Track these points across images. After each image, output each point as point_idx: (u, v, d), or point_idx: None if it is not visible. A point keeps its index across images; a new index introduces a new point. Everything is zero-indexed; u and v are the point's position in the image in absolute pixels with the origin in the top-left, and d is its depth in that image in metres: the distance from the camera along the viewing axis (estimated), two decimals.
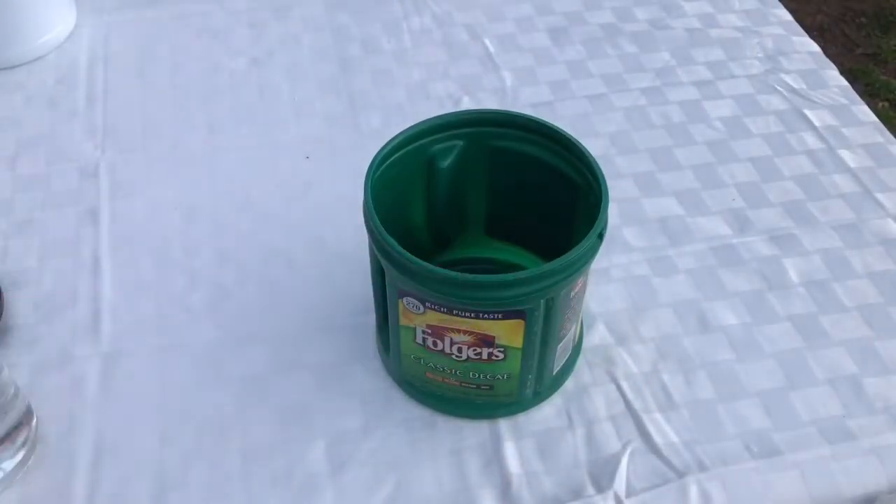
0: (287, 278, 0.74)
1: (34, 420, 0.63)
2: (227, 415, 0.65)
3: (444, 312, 0.56)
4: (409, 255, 0.54)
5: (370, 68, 0.93)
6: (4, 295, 0.70)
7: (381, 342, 0.67)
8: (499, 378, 0.61)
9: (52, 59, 0.94)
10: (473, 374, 0.61)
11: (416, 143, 0.63)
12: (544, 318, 0.57)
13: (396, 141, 0.62)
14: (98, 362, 0.67)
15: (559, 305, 0.58)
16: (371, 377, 0.67)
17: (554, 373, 0.64)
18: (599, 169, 0.60)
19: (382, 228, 0.56)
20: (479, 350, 0.58)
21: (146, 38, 0.96)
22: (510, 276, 0.54)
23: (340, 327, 0.70)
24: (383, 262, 0.57)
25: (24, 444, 0.61)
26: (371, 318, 0.68)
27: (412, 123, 0.64)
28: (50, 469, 0.62)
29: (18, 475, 0.61)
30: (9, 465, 0.60)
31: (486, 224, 0.71)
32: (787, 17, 1.01)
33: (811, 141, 0.86)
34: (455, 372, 0.61)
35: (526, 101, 0.89)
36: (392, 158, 0.62)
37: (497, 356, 0.59)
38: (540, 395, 0.65)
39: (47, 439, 0.63)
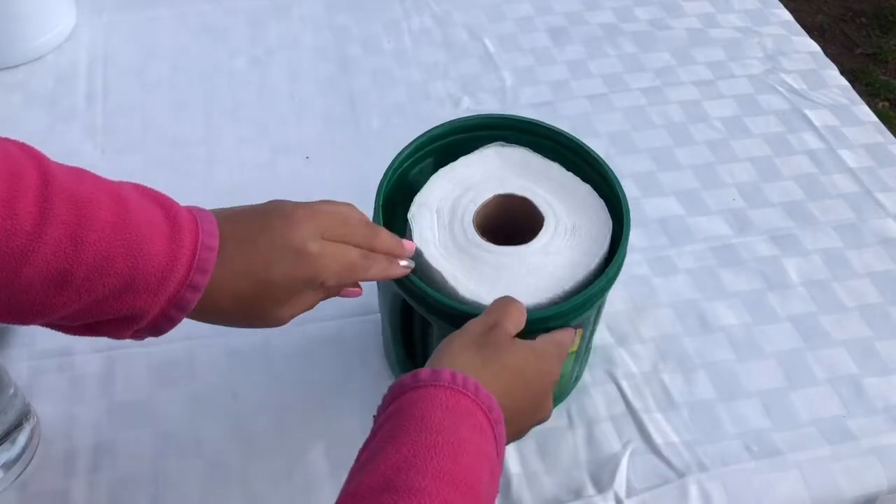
0: None
1: (34, 420, 0.63)
2: (227, 415, 0.65)
3: None
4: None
5: (370, 68, 0.93)
6: None
7: (399, 367, 0.65)
8: None
9: (51, 59, 0.93)
10: None
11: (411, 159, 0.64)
12: (594, 319, 0.60)
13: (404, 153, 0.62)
14: (98, 362, 0.67)
15: (604, 305, 0.60)
16: (371, 377, 0.67)
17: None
18: (612, 171, 0.61)
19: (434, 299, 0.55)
20: None
21: (146, 38, 0.96)
22: (575, 302, 0.55)
23: (340, 328, 0.70)
24: (437, 321, 0.56)
25: (24, 443, 0.61)
26: (371, 319, 0.68)
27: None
28: (50, 469, 0.62)
29: (18, 475, 0.61)
30: (8, 464, 0.60)
31: None
32: (787, 16, 1.01)
33: (811, 141, 0.86)
34: None
35: (526, 102, 0.89)
36: (400, 170, 0.62)
37: None
38: (577, 379, 0.66)
39: (47, 439, 0.63)
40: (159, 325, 0.47)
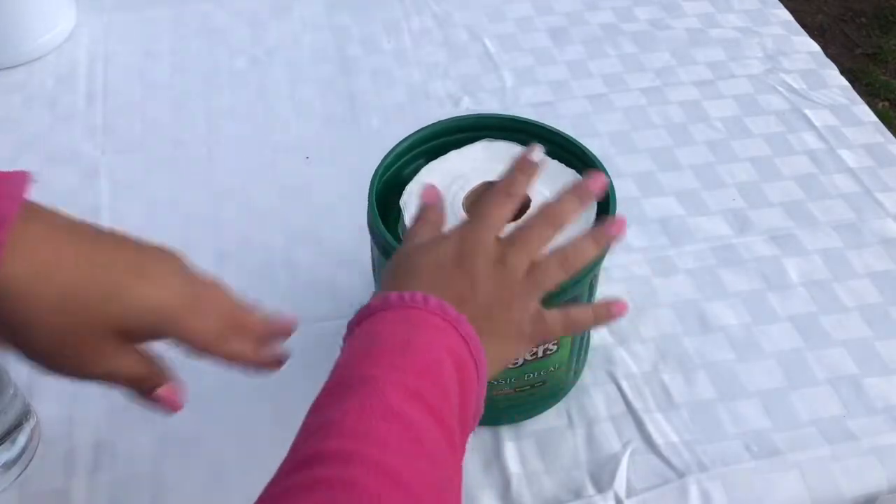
0: (286, 278, 0.74)
1: (34, 420, 0.63)
2: (226, 415, 0.65)
3: None
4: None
5: (370, 68, 0.93)
6: None
7: None
8: (551, 370, 0.61)
9: (51, 59, 0.94)
10: (529, 376, 0.61)
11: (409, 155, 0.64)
12: (588, 297, 0.59)
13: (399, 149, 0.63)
14: None
15: (597, 281, 0.60)
16: None
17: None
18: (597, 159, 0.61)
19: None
20: (534, 350, 0.58)
21: (146, 37, 0.96)
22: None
23: (340, 328, 0.70)
24: None
25: (24, 443, 0.61)
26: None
27: (411, 124, 0.64)
28: (50, 469, 0.62)
29: (18, 475, 0.61)
30: (8, 464, 0.60)
31: None
32: (787, 16, 1.01)
33: (811, 141, 0.86)
34: (510, 381, 0.60)
35: (526, 102, 0.89)
36: (394, 168, 0.62)
37: (551, 349, 0.59)
38: (577, 374, 0.66)
39: (47, 439, 0.63)
40: None
